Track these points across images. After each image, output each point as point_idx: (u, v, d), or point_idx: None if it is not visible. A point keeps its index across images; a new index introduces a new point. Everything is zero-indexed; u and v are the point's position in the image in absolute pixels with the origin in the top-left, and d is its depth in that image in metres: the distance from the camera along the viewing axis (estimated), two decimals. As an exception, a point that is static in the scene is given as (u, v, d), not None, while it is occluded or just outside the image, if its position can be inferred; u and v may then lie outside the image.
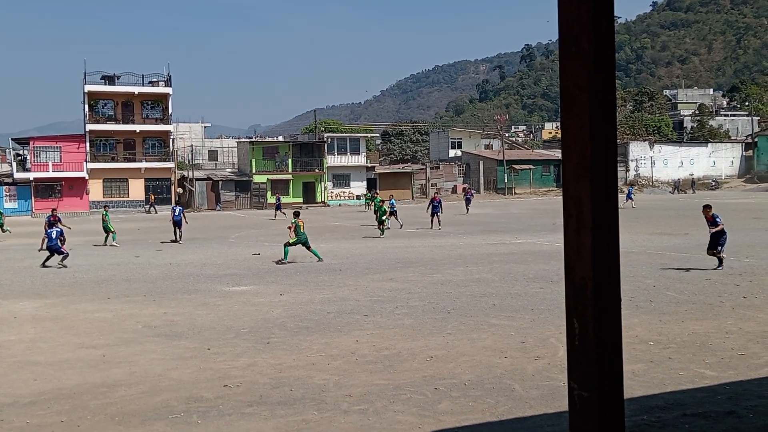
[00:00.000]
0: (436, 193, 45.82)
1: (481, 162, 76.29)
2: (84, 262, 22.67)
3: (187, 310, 13.59)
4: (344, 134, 74.88)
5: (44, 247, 22.46)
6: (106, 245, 28.12)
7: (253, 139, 74.85)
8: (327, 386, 8.25)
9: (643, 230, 27.60)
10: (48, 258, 21.34)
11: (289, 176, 65.66)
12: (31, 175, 57.76)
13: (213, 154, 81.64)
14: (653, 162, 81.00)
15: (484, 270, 18.32)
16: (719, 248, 17.06)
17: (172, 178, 62.80)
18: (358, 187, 67.17)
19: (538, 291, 14.72)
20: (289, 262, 20.91)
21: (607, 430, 2.69)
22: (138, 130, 61.85)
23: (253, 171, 64.90)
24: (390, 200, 36.76)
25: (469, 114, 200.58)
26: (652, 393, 7.61)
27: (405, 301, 14.01)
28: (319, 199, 66.26)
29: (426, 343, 10.31)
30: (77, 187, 59.07)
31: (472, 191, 47.11)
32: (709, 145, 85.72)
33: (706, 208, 17.76)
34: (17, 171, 58.61)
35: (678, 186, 75.27)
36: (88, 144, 59.84)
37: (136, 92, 62.30)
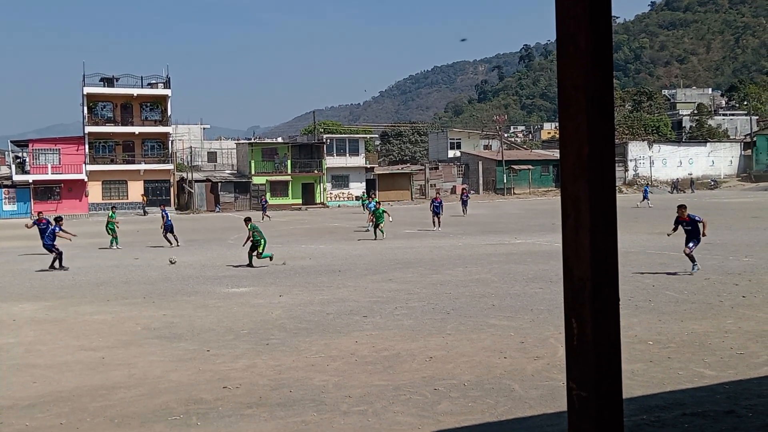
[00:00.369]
0: (437, 193, 45.53)
1: (480, 162, 76.32)
2: (83, 264, 22.66)
3: (187, 312, 13.58)
4: (343, 135, 74.92)
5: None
6: (111, 247, 27.93)
7: (252, 141, 74.91)
8: (326, 387, 8.25)
9: (642, 230, 27.61)
10: (55, 260, 21.16)
11: (289, 177, 65.68)
12: (30, 178, 57.75)
13: (212, 156, 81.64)
14: (652, 162, 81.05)
15: (483, 270, 18.32)
16: (691, 246, 16.35)
17: (171, 180, 62.80)
18: (358, 188, 67.20)
19: (537, 291, 14.72)
20: (282, 263, 20.82)
21: (605, 430, 2.69)
22: (137, 132, 61.85)
23: (253, 172, 64.91)
24: (370, 202, 35.82)
25: (468, 114, 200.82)
26: (651, 392, 7.61)
27: (404, 301, 14.01)
28: (318, 200, 66.27)
29: (425, 344, 10.31)
30: (76, 189, 59.06)
31: (468, 193, 46.71)
32: (708, 144, 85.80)
33: (681, 208, 16.94)
34: (16, 173, 58.62)
35: (677, 186, 75.30)
36: (87, 146, 59.83)
37: (135, 94, 62.32)
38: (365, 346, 10.27)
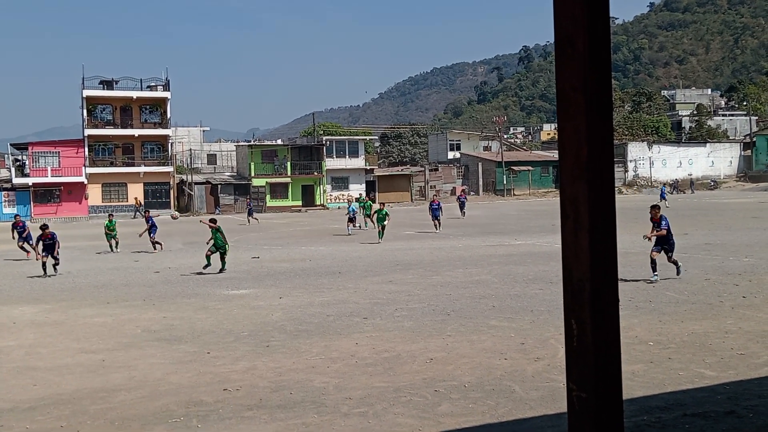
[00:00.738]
0: (435, 195, 45.38)
1: (479, 164, 76.32)
2: (83, 266, 22.66)
3: (187, 314, 13.58)
4: (343, 137, 74.93)
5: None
6: (116, 251, 27.65)
7: (252, 143, 74.90)
8: (327, 389, 8.25)
9: (642, 231, 27.56)
10: (55, 265, 20.66)
11: (288, 179, 65.69)
12: (30, 181, 57.75)
13: (212, 158, 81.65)
14: (652, 162, 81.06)
15: (483, 272, 18.32)
16: (671, 253, 15.94)
17: (171, 182, 62.80)
18: (357, 189, 67.17)
19: (537, 292, 14.72)
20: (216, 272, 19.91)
21: (605, 431, 2.69)
22: (137, 135, 61.87)
23: (252, 174, 64.93)
24: (350, 206, 35.63)
25: (467, 116, 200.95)
26: (651, 393, 7.61)
27: (405, 303, 14.01)
28: (318, 202, 66.27)
29: (426, 345, 10.31)
30: (76, 192, 59.07)
31: (465, 195, 46.54)
32: (708, 145, 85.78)
33: (654, 208, 16.38)
34: (16, 176, 58.63)
35: (676, 186, 75.29)
36: (86, 149, 59.84)
37: (135, 97, 62.33)
38: (366, 348, 10.27)
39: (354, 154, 69.82)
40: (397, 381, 8.50)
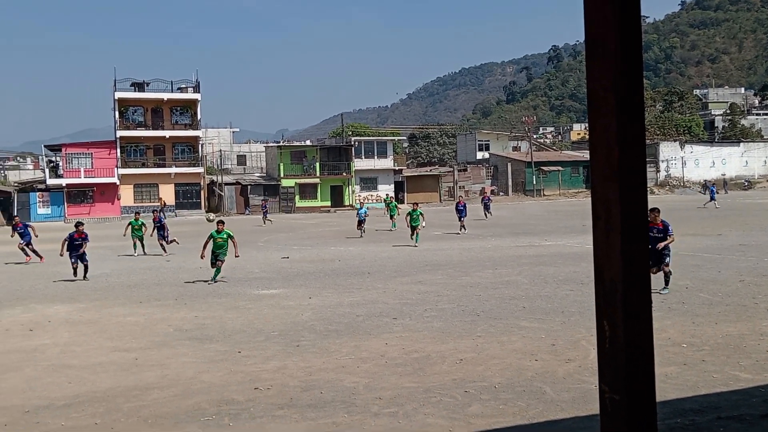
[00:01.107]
0: (461, 196, 45.04)
1: (509, 164, 75.96)
2: (116, 266, 22.97)
3: (218, 314, 13.71)
4: (371, 138, 75.03)
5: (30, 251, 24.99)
6: (138, 254, 26.82)
7: (281, 144, 75.30)
8: (357, 389, 8.28)
9: (676, 231, 27.25)
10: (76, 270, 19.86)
11: (317, 180, 65.94)
12: (63, 182, 58.62)
13: (241, 159, 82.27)
14: (684, 162, 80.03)
15: (513, 272, 18.24)
16: (666, 261, 14.40)
17: (202, 183, 63.36)
18: (386, 190, 67.22)
19: (568, 293, 14.63)
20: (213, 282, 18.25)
21: (638, 433, 2.68)
22: (167, 136, 62.52)
23: (281, 175, 65.27)
24: (361, 208, 35.22)
25: (496, 116, 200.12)
26: (685, 396, 7.53)
27: (434, 303, 14.00)
28: (347, 203, 66.41)
29: (455, 346, 10.30)
30: (109, 192, 59.85)
31: (490, 196, 46.11)
32: (741, 144, 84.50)
33: (653, 211, 14.60)
34: (50, 177, 59.54)
35: (708, 186, 74.15)
36: (118, 150, 60.62)
37: (166, 98, 62.98)
38: (395, 348, 10.29)
39: (382, 154, 69.87)
40: (427, 381, 8.50)
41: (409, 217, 28.38)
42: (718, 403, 7.25)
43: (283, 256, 24.43)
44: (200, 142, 64.28)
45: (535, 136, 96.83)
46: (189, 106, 64.23)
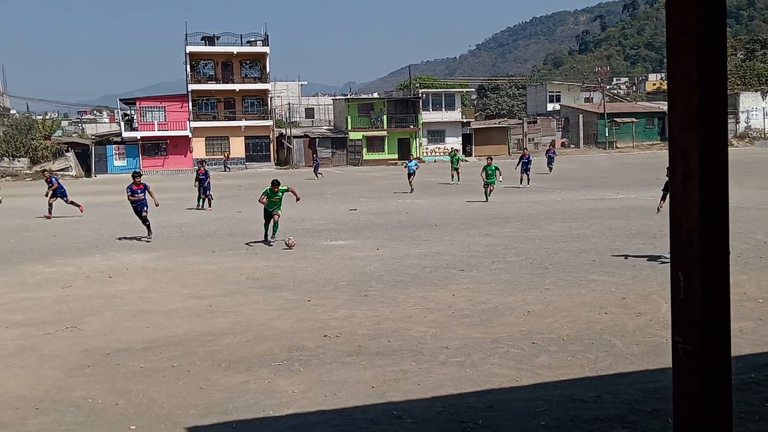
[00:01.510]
0: (525, 149, 43.99)
1: (580, 116, 74.20)
2: (189, 218, 23.58)
3: (288, 264, 13.98)
4: (439, 90, 74.25)
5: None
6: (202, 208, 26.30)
7: (349, 97, 75.30)
8: (424, 338, 8.38)
9: (754, 185, 26.35)
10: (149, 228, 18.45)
11: (384, 133, 65.84)
12: (138, 135, 60.09)
13: (309, 112, 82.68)
14: (765, 113, 76.66)
15: (583, 225, 17.98)
16: None
17: (271, 136, 64.07)
18: (453, 142, 66.67)
19: (640, 247, 14.36)
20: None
21: (712, 385, 2.65)
22: (237, 89, 63.19)
23: (349, 128, 65.39)
24: (410, 161, 32.72)
25: (568, 66, 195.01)
26: (760, 351, 7.37)
27: (502, 256, 13.95)
28: (414, 156, 66.22)
29: (523, 298, 10.28)
30: (181, 145, 61.11)
31: (554, 149, 44.82)
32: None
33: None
34: (125, 130, 61.10)
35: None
36: (190, 103, 61.65)
37: (235, 52, 63.48)
38: (462, 300, 10.33)
39: (450, 106, 69.13)
40: (494, 332, 8.53)
41: (484, 173, 26.51)
42: (795, 360, 7.07)
43: (351, 208, 24.64)
44: (269, 96, 64.77)
45: (608, 87, 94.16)
46: (258, 59, 64.64)
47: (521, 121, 74.02)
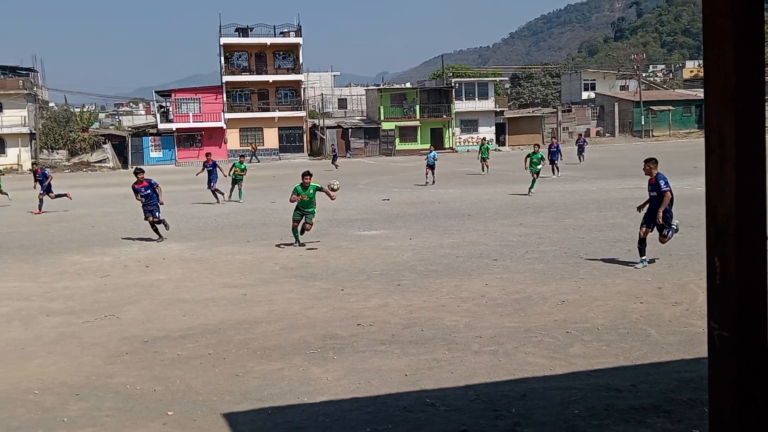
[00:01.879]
0: (553, 138, 43.38)
1: (616, 104, 73.28)
2: (223, 209, 23.80)
3: (321, 253, 14.06)
4: (472, 79, 73.78)
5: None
6: (227, 199, 25.74)
7: (381, 87, 75.22)
8: (457, 327, 8.37)
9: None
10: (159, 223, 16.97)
11: (417, 123, 65.71)
12: (173, 126, 60.77)
13: (342, 103, 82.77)
14: (807, 99, 74.99)
15: (618, 215, 17.79)
16: (666, 231, 11.67)
17: (304, 127, 64.34)
18: (487, 132, 66.30)
19: (676, 236, 14.16)
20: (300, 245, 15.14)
21: (748, 372, 2.62)
22: (271, 81, 63.52)
23: (382, 118, 65.38)
24: (430, 152, 30.90)
25: (603, 54, 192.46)
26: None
27: (535, 245, 13.88)
28: (447, 145, 66.02)
29: (557, 288, 10.22)
30: (216, 136, 61.66)
31: (584, 139, 44.20)
32: None
33: (648, 162, 12.24)
34: (161, 122, 61.82)
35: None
36: (224, 95, 62.14)
37: (269, 43, 63.78)
38: (495, 289, 10.30)
39: (483, 96, 68.71)
40: (528, 322, 8.50)
41: (528, 160, 25.55)
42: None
43: (384, 198, 24.66)
44: (302, 86, 65.03)
45: (644, 75, 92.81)
46: (291, 50, 64.88)
47: (555, 110, 73.34)
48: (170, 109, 62.73)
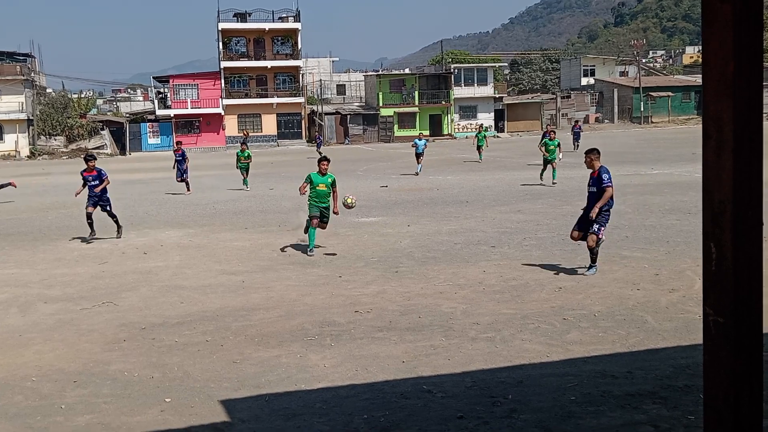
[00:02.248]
0: (548, 126, 43.05)
1: (615, 90, 73.14)
2: (221, 195, 23.77)
3: (319, 240, 14.02)
4: (471, 65, 73.60)
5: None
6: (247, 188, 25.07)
7: (380, 73, 74.99)
8: (454, 314, 8.38)
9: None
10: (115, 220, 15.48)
11: (416, 109, 65.56)
12: (171, 112, 60.60)
13: (341, 89, 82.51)
14: (807, 85, 74.87)
15: (617, 202, 17.57)
16: (597, 228, 10.07)
17: (303, 113, 64.18)
18: (486, 118, 66.18)
19: (674, 223, 14.17)
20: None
21: (742, 358, 2.61)
22: (269, 66, 63.30)
23: (380, 104, 65.21)
24: (420, 140, 29.38)
25: (603, 40, 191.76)
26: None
27: (533, 232, 13.87)
28: (445, 132, 65.92)
29: (554, 275, 10.22)
30: (214, 122, 61.53)
31: (580, 126, 43.99)
32: None
33: (590, 153, 10.67)
34: (159, 108, 61.67)
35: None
36: (222, 81, 61.94)
37: (267, 28, 63.50)
38: (493, 276, 10.30)
39: (483, 82, 68.55)
40: (525, 308, 8.51)
41: (543, 147, 23.69)
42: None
43: (382, 185, 24.63)
44: (301, 72, 64.81)
45: (644, 61, 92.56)
46: (290, 35, 64.62)
47: (554, 96, 73.19)
48: (168, 95, 62.56)
